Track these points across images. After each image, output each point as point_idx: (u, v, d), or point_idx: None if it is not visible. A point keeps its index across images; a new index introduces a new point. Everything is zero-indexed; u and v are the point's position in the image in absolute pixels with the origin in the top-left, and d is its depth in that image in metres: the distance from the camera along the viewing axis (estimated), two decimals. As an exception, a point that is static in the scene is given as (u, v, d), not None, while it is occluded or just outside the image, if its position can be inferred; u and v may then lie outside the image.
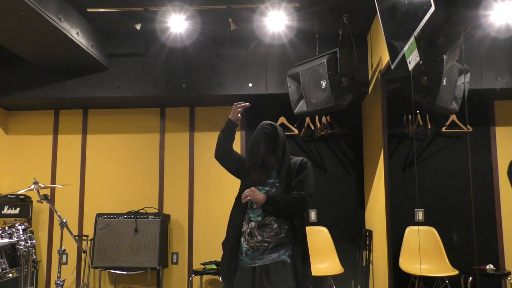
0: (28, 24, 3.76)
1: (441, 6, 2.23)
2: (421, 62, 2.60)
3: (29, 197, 5.06)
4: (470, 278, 3.65)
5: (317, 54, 4.30)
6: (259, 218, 2.51)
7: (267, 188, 2.56)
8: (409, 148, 4.21)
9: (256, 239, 2.49)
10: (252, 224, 2.51)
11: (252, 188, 2.50)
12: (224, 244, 2.64)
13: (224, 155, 2.68)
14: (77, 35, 4.20)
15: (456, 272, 3.78)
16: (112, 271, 4.94)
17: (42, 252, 5.32)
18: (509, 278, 3.56)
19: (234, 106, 2.67)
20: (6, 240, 3.80)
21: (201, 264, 4.87)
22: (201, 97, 5.02)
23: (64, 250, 3.88)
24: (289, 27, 4.42)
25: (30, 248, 3.81)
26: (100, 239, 4.84)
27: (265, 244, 2.48)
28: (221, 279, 2.65)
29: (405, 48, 2.76)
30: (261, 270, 2.46)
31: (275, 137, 2.58)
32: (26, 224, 4.28)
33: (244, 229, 2.54)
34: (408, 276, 3.94)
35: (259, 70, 4.81)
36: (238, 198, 2.61)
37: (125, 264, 4.76)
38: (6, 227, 3.94)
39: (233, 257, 2.52)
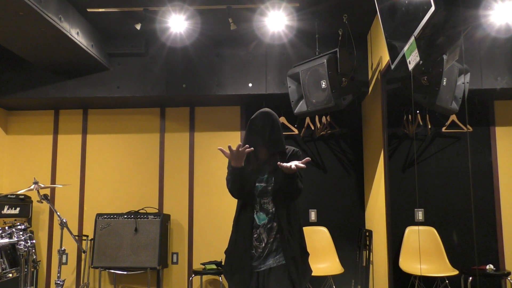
0: (28, 24, 3.77)
1: (441, 6, 2.23)
2: (421, 62, 2.59)
3: (29, 197, 5.06)
4: (470, 278, 3.65)
5: (317, 54, 4.30)
6: (265, 221, 2.48)
7: (263, 184, 2.51)
8: (409, 148, 4.21)
9: (264, 243, 2.47)
10: (261, 229, 2.48)
11: (293, 168, 2.30)
12: (229, 252, 2.57)
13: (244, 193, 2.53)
14: (77, 35, 4.20)
15: (456, 272, 3.77)
16: (112, 271, 4.94)
17: (42, 252, 5.32)
18: (509, 278, 3.56)
19: (233, 152, 2.37)
20: (6, 240, 3.80)
21: (201, 264, 4.87)
22: (201, 97, 5.02)
23: (64, 250, 3.88)
24: (289, 27, 4.42)
25: (30, 248, 3.80)
26: (100, 239, 4.84)
27: (268, 245, 2.47)
28: (233, 284, 2.54)
29: (405, 48, 2.76)
30: (264, 274, 2.45)
31: (271, 131, 2.48)
32: (26, 224, 4.28)
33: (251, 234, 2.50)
34: (408, 276, 3.94)
35: (259, 70, 4.81)
36: (242, 203, 2.55)
37: (125, 264, 4.76)
38: (6, 227, 3.94)
39: (247, 262, 2.46)
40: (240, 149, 2.34)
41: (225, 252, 2.60)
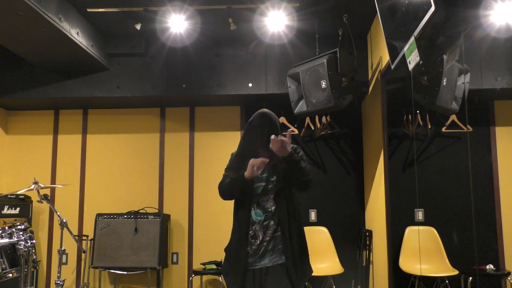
0: (28, 24, 3.76)
1: (441, 6, 2.23)
2: (421, 62, 2.59)
3: (29, 197, 5.06)
4: (470, 278, 3.64)
5: (317, 54, 4.30)
6: (261, 219, 2.48)
7: (263, 184, 2.52)
8: (409, 148, 4.20)
9: (258, 240, 2.47)
10: (256, 226, 2.49)
11: (279, 139, 2.35)
12: (228, 249, 2.58)
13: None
14: (77, 35, 4.20)
15: (456, 272, 3.77)
16: (112, 271, 4.94)
17: (42, 252, 5.32)
18: (509, 278, 3.56)
19: (253, 165, 2.41)
20: (6, 240, 3.80)
21: (201, 264, 4.87)
22: (201, 97, 5.02)
23: (64, 250, 3.88)
24: (289, 27, 4.42)
25: (30, 248, 3.80)
26: (100, 239, 4.84)
27: (264, 244, 2.47)
28: (228, 283, 2.56)
29: (405, 48, 2.76)
30: (261, 272, 2.45)
31: (270, 131, 2.51)
32: (26, 224, 4.28)
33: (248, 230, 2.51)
34: (408, 276, 3.94)
35: (259, 70, 4.81)
36: (239, 202, 2.57)
37: (125, 264, 4.76)
38: (6, 227, 3.93)
39: (241, 260, 2.47)
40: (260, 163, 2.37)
41: (225, 250, 2.61)
